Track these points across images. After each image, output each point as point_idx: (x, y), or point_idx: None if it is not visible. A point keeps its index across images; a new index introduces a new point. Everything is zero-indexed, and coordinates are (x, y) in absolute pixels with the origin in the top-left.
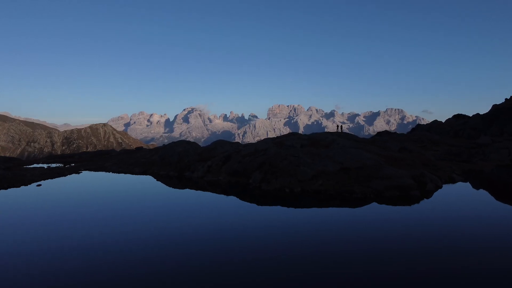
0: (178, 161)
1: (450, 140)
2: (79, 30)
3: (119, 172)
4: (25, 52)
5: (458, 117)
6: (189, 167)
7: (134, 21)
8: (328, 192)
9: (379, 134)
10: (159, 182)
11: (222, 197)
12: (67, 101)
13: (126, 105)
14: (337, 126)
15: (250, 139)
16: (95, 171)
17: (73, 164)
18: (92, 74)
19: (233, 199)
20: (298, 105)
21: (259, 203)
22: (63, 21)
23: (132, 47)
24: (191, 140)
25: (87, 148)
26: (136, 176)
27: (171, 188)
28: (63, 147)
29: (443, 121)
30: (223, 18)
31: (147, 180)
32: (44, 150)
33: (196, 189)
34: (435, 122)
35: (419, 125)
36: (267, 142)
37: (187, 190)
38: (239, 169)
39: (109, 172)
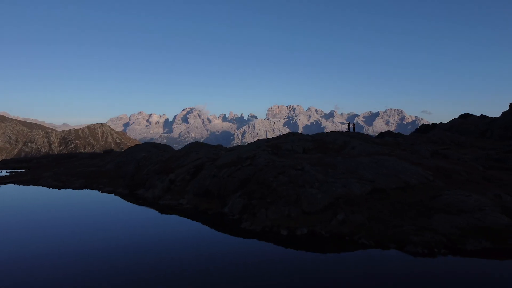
0: (136, 171)
1: (477, 141)
2: (78, 30)
3: (53, 187)
4: (25, 52)
5: (466, 116)
6: (145, 181)
7: (133, 21)
8: (358, 238)
9: (382, 134)
10: (87, 207)
11: (168, 238)
12: (66, 101)
13: (125, 105)
14: (348, 124)
15: (249, 139)
16: (26, 184)
17: (21, 170)
18: (92, 74)
19: (191, 237)
20: (298, 105)
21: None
22: (62, 20)
23: (131, 47)
24: (190, 140)
25: (84, 148)
26: (73, 192)
27: (93, 220)
28: (61, 147)
29: (444, 122)
30: (223, 18)
31: (74, 205)
32: (42, 150)
33: (138, 216)
34: (456, 121)
35: (437, 124)
36: (259, 145)
37: (114, 224)
38: (211, 188)
39: (42, 186)
